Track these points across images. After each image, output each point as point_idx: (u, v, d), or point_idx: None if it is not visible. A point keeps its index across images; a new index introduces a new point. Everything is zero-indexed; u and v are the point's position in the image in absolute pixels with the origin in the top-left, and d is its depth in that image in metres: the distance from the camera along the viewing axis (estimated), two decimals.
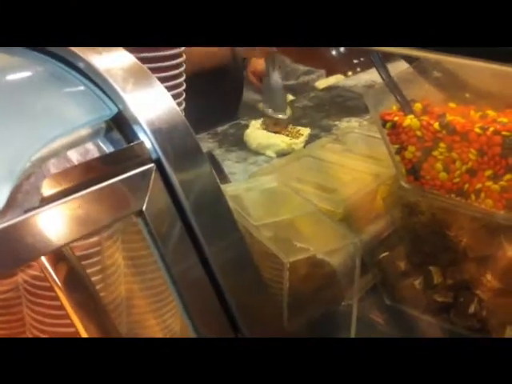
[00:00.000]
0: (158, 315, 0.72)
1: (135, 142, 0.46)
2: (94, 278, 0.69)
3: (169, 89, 0.67)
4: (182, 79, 0.77)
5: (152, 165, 0.46)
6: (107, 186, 0.43)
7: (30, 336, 0.67)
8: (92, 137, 0.46)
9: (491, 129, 0.93)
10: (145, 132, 0.47)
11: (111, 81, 0.47)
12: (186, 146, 0.49)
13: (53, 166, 0.42)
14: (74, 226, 0.42)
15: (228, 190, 1.06)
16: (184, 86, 0.77)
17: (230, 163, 1.43)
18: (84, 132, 0.45)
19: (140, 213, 0.45)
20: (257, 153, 1.49)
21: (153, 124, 0.47)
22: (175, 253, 0.47)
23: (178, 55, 0.76)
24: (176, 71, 0.75)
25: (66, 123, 0.44)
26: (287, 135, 1.53)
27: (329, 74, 2.20)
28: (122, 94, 0.47)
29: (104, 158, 0.45)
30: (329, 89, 1.95)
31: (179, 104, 0.76)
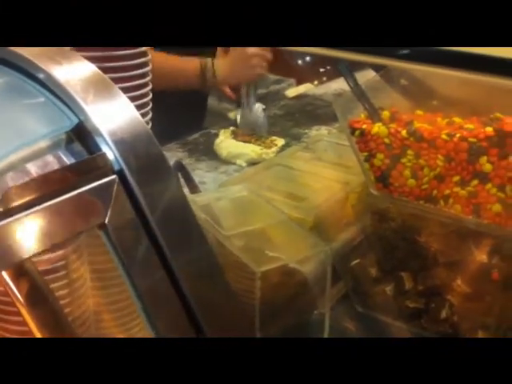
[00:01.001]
0: (126, 329, 0.71)
1: (96, 154, 0.45)
2: (60, 293, 0.67)
3: (134, 99, 0.67)
4: (148, 88, 0.76)
5: (114, 176, 0.45)
6: (67, 198, 0.42)
7: None
8: (52, 149, 0.45)
9: (458, 135, 0.94)
10: (107, 143, 0.46)
11: (71, 91, 0.46)
12: (149, 157, 0.48)
13: (10, 180, 0.41)
14: (34, 241, 0.41)
15: (198, 199, 1.06)
16: (150, 96, 0.77)
17: (201, 172, 1.42)
18: (43, 144, 0.44)
19: (102, 225, 0.44)
20: (227, 162, 1.48)
21: (115, 135, 0.46)
22: (140, 266, 0.46)
23: (144, 64, 0.76)
24: (141, 81, 0.75)
25: (24, 135, 0.43)
26: (259, 144, 1.53)
27: (299, 83, 2.21)
28: (82, 104, 0.46)
29: (64, 170, 0.44)
30: (299, 97, 1.96)
31: (145, 114, 0.75)
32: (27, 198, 0.39)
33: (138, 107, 0.67)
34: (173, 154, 1.48)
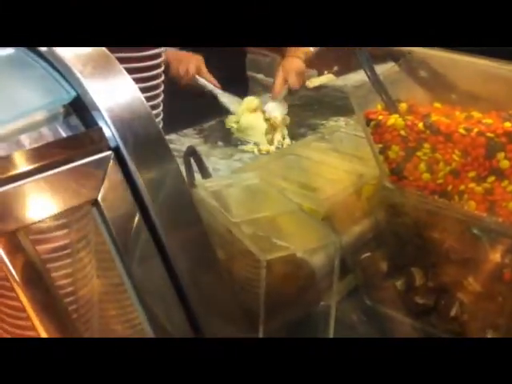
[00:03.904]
0: (126, 312, 0.70)
1: (92, 128, 0.44)
2: (63, 272, 0.67)
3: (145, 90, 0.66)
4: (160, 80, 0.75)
5: (110, 152, 0.44)
6: (59, 172, 0.41)
7: None
8: (48, 121, 0.44)
9: (475, 130, 0.92)
10: (104, 119, 0.45)
11: (69, 64, 0.45)
12: (148, 136, 0.47)
13: (3, 151, 0.40)
14: (23, 213, 0.40)
15: (208, 185, 1.05)
16: (162, 88, 0.76)
17: (215, 159, 1.41)
18: (39, 116, 0.43)
19: (95, 202, 0.43)
20: (242, 150, 1.47)
21: (112, 111, 0.45)
22: (132, 245, 0.45)
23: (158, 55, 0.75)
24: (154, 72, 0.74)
25: (19, 106, 0.42)
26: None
27: (320, 73, 2.19)
28: (80, 77, 0.45)
29: (57, 144, 0.43)
30: (319, 88, 1.93)
31: (156, 106, 0.74)
32: (15, 171, 0.39)
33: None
34: (189, 140, 1.47)
